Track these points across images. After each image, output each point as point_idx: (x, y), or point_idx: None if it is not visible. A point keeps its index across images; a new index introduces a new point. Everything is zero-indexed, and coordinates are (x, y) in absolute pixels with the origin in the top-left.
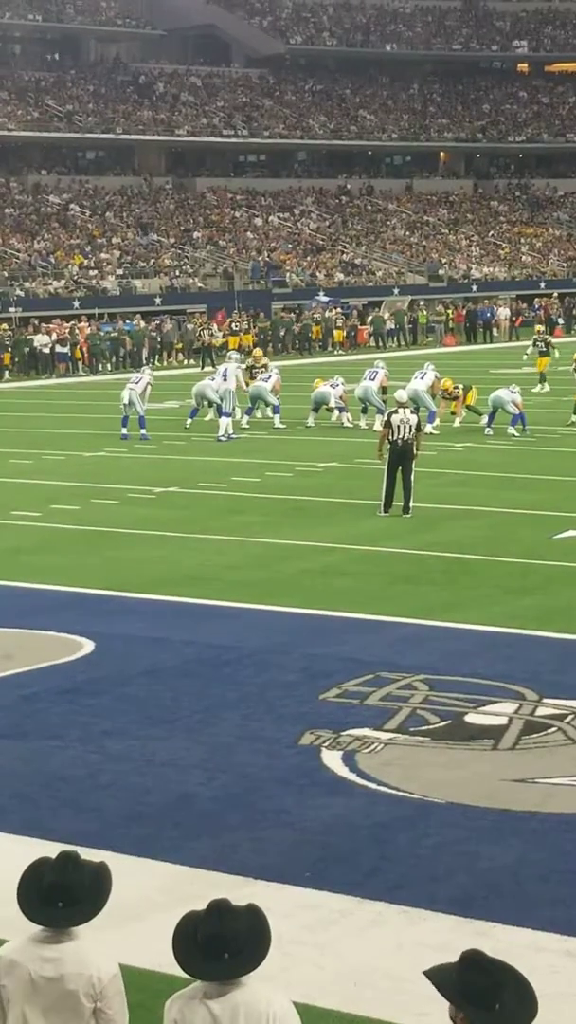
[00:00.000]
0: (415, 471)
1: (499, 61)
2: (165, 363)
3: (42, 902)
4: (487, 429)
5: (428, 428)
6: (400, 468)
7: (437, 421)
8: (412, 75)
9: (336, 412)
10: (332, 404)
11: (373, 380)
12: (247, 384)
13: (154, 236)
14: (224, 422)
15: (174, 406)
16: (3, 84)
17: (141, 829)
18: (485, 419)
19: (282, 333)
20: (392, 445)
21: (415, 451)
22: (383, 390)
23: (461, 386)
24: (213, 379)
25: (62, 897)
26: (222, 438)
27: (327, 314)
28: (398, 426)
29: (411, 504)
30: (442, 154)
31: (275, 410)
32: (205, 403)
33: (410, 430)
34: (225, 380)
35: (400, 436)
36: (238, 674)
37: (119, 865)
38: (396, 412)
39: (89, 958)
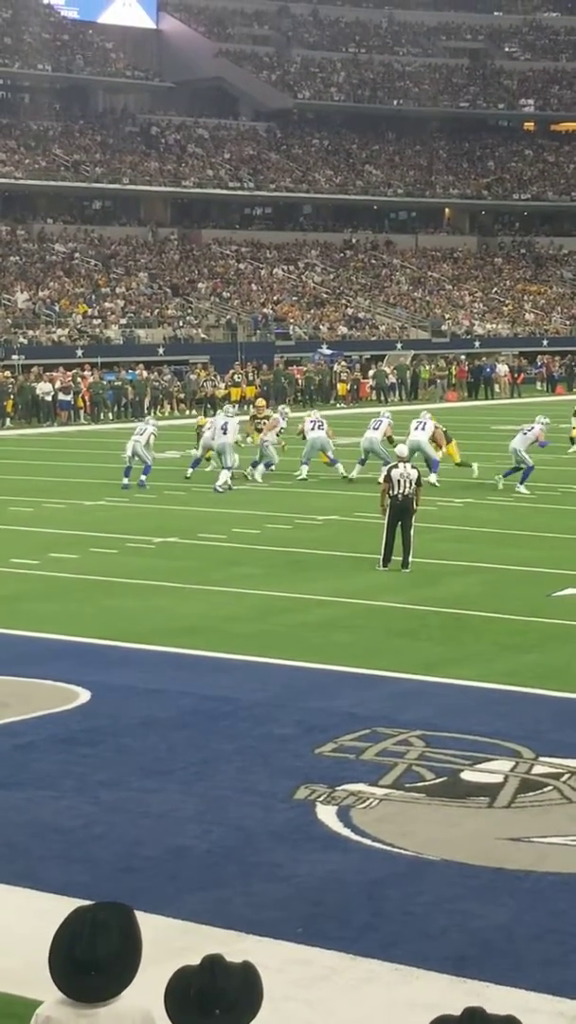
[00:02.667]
0: (415, 526)
1: (505, 119)
2: (167, 413)
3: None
4: (502, 481)
5: (432, 479)
6: (400, 523)
7: (436, 473)
8: (419, 131)
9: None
10: (331, 454)
11: (377, 430)
12: (251, 437)
13: (160, 285)
14: (224, 474)
15: (174, 456)
16: (11, 133)
17: (134, 881)
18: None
19: (284, 384)
20: (392, 500)
21: (415, 506)
22: (388, 440)
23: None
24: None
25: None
26: (220, 488)
27: (334, 368)
28: (398, 480)
29: (410, 559)
30: (447, 210)
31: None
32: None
33: (410, 484)
34: (225, 434)
35: (400, 491)
36: (234, 727)
37: None
38: (396, 466)
39: (125, 1011)
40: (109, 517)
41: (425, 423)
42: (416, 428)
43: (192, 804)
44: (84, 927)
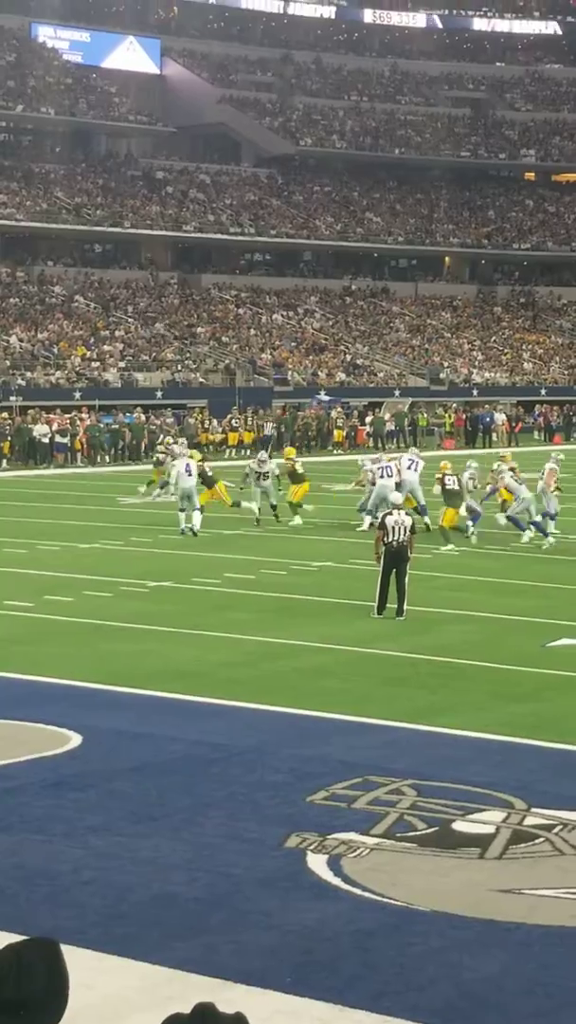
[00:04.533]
0: (409, 573)
1: (506, 169)
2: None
3: None
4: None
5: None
6: (395, 570)
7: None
8: (420, 180)
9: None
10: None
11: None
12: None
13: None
14: (197, 516)
15: (170, 499)
16: (13, 175)
17: (122, 928)
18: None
19: (282, 430)
20: (387, 547)
21: (410, 553)
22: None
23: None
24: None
25: None
26: (194, 530)
27: (331, 413)
28: (393, 528)
29: (405, 607)
30: (447, 259)
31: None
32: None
33: (405, 532)
34: (190, 475)
35: (395, 538)
36: (225, 773)
37: (99, 964)
38: (391, 513)
39: None
40: (104, 560)
41: (417, 463)
42: (409, 468)
43: (181, 850)
44: (11, 967)
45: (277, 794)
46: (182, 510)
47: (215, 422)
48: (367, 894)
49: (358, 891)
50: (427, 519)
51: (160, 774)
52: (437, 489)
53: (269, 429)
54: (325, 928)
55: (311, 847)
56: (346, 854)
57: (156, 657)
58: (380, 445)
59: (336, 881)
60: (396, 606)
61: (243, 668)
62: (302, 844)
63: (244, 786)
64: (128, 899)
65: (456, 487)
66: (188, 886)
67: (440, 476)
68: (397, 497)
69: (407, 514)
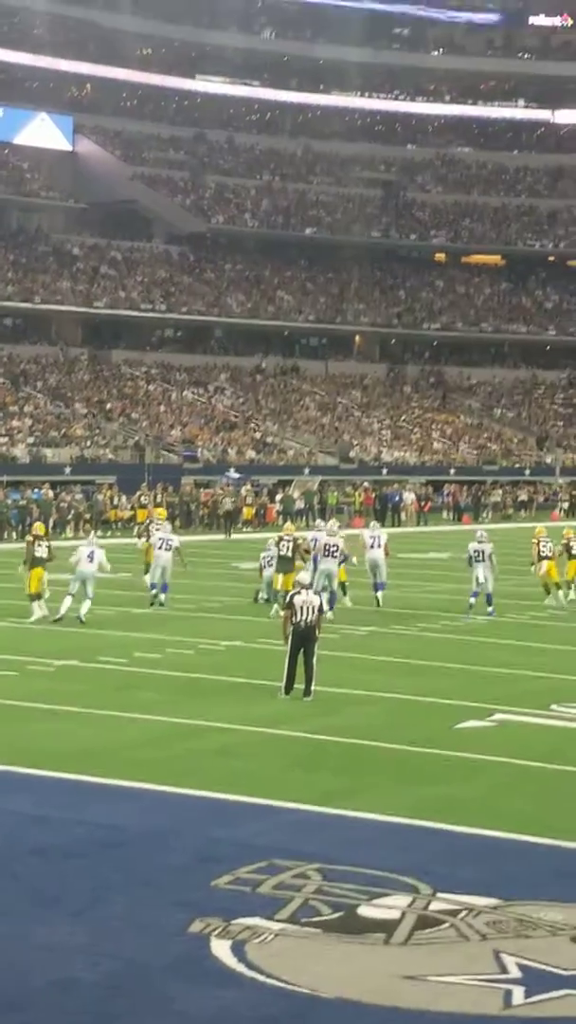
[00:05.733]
0: (317, 654)
1: (417, 250)
2: (73, 534)
3: None
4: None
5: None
6: (302, 650)
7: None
8: (331, 259)
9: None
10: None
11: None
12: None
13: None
14: (87, 604)
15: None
16: None
17: (20, 1015)
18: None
19: (192, 508)
20: (295, 627)
21: (317, 633)
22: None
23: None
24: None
25: None
26: (83, 618)
27: (241, 491)
28: (301, 607)
29: (312, 687)
30: (357, 338)
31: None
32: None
33: (313, 611)
34: (91, 562)
35: (303, 618)
36: (128, 856)
37: None
38: (299, 593)
39: None
40: (9, 638)
41: (379, 538)
42: (371, 545)
43: (82, 935)
44: None
45: (181, 878)
46: (71, 594)
47: (124, 499)
48: (271, 980)
49: (262, 977)
50: (380, 594)
51: (61, 857)
52: (272, 552)
53: (229, 504)
54: (228, 1015)
55: (215, 932)
56: (250, 939)
57: (60, 737)
58: (290, 523)
59: (240, 967)
60: (304, 686)
61: (149, 749)
62: (206, 929)
63: (147, 870)
64: (27, 985)
65: (289, 554)
66: (89, 971)
67: (278, 539)
68: (304, 577)
69: (316, 593)
